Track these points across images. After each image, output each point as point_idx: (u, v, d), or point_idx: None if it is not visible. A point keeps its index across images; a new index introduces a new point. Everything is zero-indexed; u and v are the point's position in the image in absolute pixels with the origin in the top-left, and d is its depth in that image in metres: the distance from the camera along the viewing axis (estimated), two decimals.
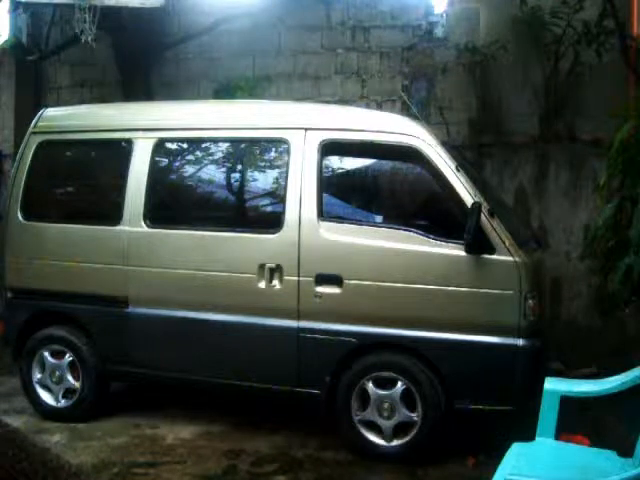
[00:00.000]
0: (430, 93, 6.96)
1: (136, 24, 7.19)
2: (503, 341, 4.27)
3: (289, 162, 4.66)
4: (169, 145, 5.17)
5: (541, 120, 6.58)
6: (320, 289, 4.50)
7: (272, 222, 4.68)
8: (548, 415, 3.25)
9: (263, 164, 5.10)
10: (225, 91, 7.20)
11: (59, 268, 5.10)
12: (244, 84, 7.15)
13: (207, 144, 5.14)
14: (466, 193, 4.32)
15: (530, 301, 4.28)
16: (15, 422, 5.01)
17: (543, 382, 3.36)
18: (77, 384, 5.10)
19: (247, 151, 5.16)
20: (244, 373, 4.72)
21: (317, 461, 4.48)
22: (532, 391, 3.82)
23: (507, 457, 3.01)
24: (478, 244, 4.22)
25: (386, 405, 4.42)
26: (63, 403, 5.15)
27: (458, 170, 4.39)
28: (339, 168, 4.94)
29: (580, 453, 3.36)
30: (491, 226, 4.27)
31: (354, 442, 4.54)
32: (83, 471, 4.20)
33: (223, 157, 5.22)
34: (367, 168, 4.98)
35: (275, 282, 4.58)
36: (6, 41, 7.88)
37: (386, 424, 4.42)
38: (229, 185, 5.17)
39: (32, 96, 8.16)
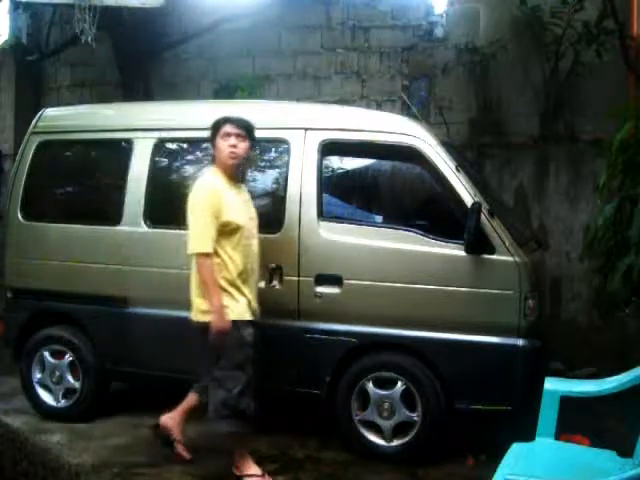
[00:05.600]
0: (430, 93, 6.96)
1: (136, 24, 7.19)
2: (503, 341, 4.27)
3: (289, 162, 4.66)
4: (169, 145, 5.17)
5: (541, 120, 6.58)
6: (320, 289, 4.50)
7: (272, 222, 4.67)
8: (548, 415, 3.25)
9: (263, 164, 5.09)
10: (225, 91, 7.19)
11: (59, 268, 5.09)
12: (244, 84, 7.15)
13: (207, 144, 5.12)
14: (466, 193, 4.32)
15: (530, 301, 4.28)
16: (15, 422, 5.03)
17: (543, 382, 3.36)
18: (77, 384, 5.09)
19: None
20: None
21: (317, 461, 4.48)
22: (532, 391, 3.82)
23: (507, 457, 3.01)
24: (478, 244, 4.22)
25: (386, 405, 4.41)
26: (63, 403, 5.13)
27: (458, 170, 4.39)
28: (339, 168, 4.93)
29: (580, 453, 3.36)
30: (491, 226, 4.27)
31: (354, 442, 4.53)
32: (83, 471, 4.21)
33: None
34: (367, 168, 4.98)
35: (275, 282, 4.57)
36: (6, 41, 7.89)
37: (386, 424, 4.41)
38: None
39: (32, 96, 8.17)
